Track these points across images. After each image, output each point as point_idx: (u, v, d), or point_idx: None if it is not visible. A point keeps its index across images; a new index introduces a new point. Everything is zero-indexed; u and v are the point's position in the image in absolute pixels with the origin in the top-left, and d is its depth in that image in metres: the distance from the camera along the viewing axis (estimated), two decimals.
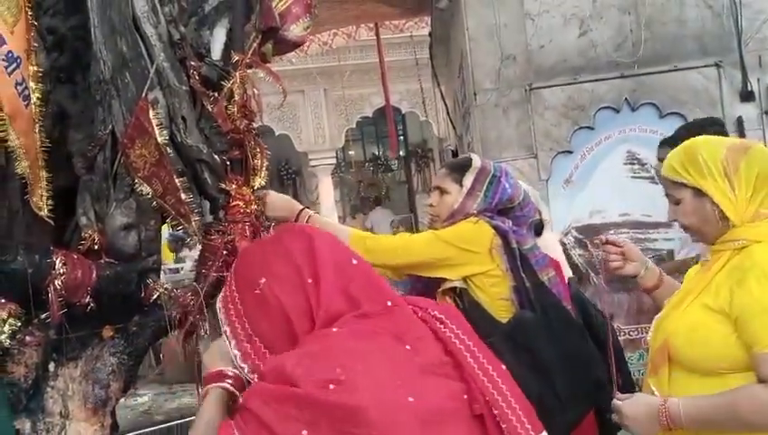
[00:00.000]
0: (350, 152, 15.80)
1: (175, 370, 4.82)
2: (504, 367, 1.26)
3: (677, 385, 1.83)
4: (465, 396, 1.15)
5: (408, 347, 1.14)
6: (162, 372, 5.33)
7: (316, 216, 2.32)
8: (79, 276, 1.94)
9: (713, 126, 3.31)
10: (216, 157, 2.09)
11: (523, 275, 2.17)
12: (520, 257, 2.19)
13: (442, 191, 2.31)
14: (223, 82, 2.09)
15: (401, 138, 16.52)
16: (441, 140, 12.82)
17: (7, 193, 2.05)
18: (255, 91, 2.10)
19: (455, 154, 7.00)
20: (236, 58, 2.10)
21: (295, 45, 2.33)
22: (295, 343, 1.13)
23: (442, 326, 1.22)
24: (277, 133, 13.19)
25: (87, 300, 1.96)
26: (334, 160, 14.27)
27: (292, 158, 14.80)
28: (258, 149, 2.13)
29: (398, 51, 12.01)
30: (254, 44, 2.24)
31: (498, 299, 2.18)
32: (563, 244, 4.74)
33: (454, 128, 7.03)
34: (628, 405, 1.83)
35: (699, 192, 1.81)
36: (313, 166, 13.76)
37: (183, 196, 1.85)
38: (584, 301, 2.46)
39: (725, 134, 3.40)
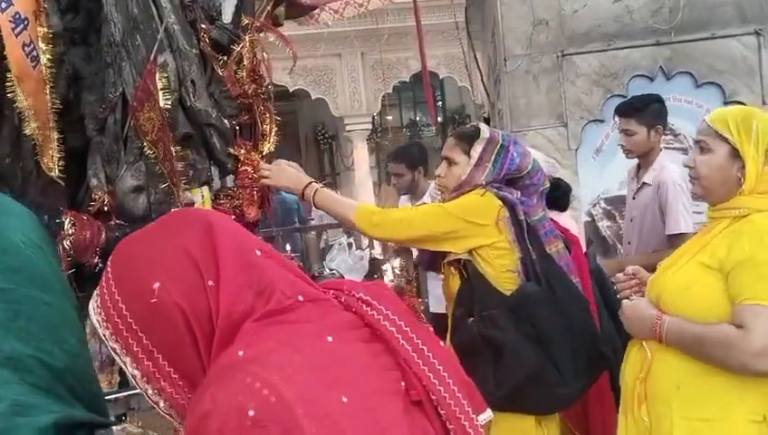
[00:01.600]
0: (388, 117, 15.72)
1: None
2: (442, 345, 1.14)
3: None
4: (403, 383, 1.05)
5: (330, 339, 1.03)
6: None
7: (324, 190, 2.26)
8: (87, 237, 1.97)
9: (656, 102, 3.62)
10: (225, 121, 2.09)
11: (530, 248, 2.15)
12: (527, 229, 2.16)
13: (450, 162, 2.29)
14: (233, 46, 2.08)
15: (439, 103, 16.37)
16: (479, 107, 12.68)
17: (21, 154, 2.09)
18: (265, 56, 2.09)
19: (487, 121, 6.92)
20: (247, 21, 2.09)
21: (309, 9, 2.30)
22: (197, 349, 1.00)
23: (369, 309, 1.10)
24: (314, 97, 13.18)
25: (96, 260, 1.99)
26: (370, 126, 14.20)
27: (329, 122, 14.78)
28: (267, 115, 2.12)
29: (437, 14, 11.83)
30: (268, 8, 2.22)
31: (504, 271, 2.16)
32: (591, 215, 4.68)
33: (488, 94, 6.93)
34: (628, 307, 1.98)
35: (735, 153, 1.88)
36: (349, 131, 13.72)
37: (176, 164, 1.86)
38: (603, 274, 2.43)
39: (665, 109, 3.63)
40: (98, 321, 1.03)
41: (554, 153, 4.59)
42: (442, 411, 1.07)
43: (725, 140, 1.89)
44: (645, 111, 3.54)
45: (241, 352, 0.98)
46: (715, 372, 1.81)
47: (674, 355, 1.86)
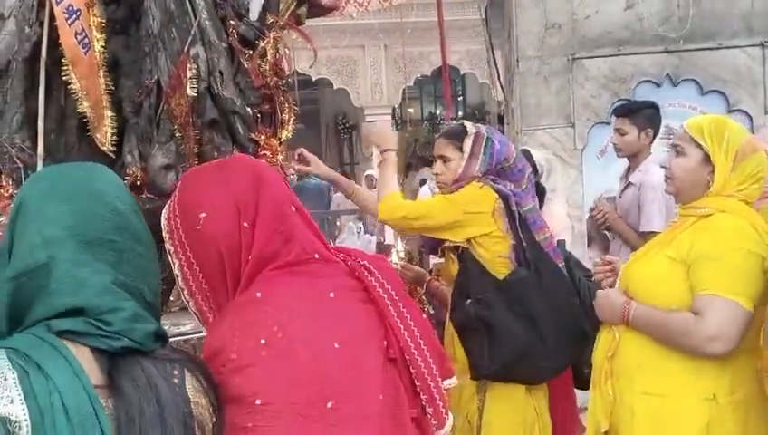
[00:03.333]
0: (409, 110, 15.90)
1: None
2: (423, 316, 1.35)
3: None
4: (385, 342, 1.25)
5: (332, 295, 1.24)
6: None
7: (359, 188, 2.61)
8: None
9: (651, 108, 3.76)
10: (248, 109, 2.32)
11: (521, 236, 2.36)
12: (519, 219, 2.38)
13: (445, 159, 2.50)
14: (258, 42, 2.30)
15: (460, 99, 16.52)
16: (499, 103, 12.80)
17: (65, 130, 2.32)
18: (287, 51, 2.31)
19: (500, 119, 7.09)
20: (271, 20, 2.31)
21: (328, 9, 2.51)
22: (224, 276, 1.22)
23: (368, 275, 1.29)
24: (336, 87, 13.40)
25: None
26: (390, 117, 14.40)
27: (350, 112, 14.99)
28: (286, 105, 2.35)
29: (461, 10, 11.99)
30: (291, 7, 2.44)
31: (498, 257, 2.38)
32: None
33: (504, 92, 7.11)
34: (601, 295, 2.18)
35: (707, 159, 2.06)
36: (369, 121, 13.91)
37: (193, 148, 2.09)
38: (572, 263, 2.64)
39: (658, 116, 3.76)
40: (163, 224, 1.28)
41: (561, 152, 4.77)
42: (412, 371, 1.28)
43: (699, 145, 2.08)
44: (638, 114, 3.74)
45: (258, 294, 1.21)
46: (672, 354, 2.01)
47: (638, 338, 2.07)
